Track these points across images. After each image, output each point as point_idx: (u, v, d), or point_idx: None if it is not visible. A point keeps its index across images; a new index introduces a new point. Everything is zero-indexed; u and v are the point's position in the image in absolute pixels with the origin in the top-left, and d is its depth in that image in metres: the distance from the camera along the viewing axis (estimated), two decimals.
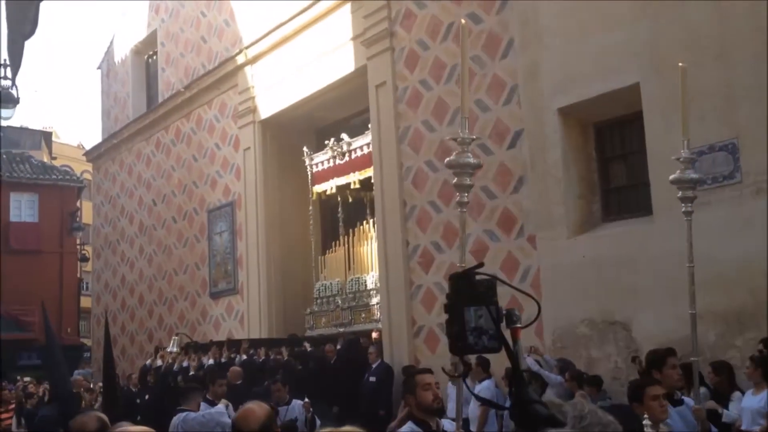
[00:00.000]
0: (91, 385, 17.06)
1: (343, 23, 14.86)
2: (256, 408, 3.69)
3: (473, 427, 10.12)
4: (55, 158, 37.52)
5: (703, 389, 7.90)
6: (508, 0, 11.58)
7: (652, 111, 9.61)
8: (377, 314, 13.99)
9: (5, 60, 12.20)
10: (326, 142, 15.70)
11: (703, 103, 9.05)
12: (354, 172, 14.98)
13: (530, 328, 9.15)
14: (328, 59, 15.22)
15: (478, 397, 9.05)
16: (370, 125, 14.29)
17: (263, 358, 14.18)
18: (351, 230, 15.49)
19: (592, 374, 9.53)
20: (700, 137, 9.06)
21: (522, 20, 11.33)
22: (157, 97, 22.79)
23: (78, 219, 30.62)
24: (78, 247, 30.84)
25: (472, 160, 3.65)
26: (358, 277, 14.88)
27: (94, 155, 26.22)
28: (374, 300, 14.18)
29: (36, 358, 24.95)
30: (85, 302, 30.43)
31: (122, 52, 25.28)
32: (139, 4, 24.03)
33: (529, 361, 9.70)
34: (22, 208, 29.99)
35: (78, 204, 31.59)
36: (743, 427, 7.32)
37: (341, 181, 15.35)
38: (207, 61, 19.94)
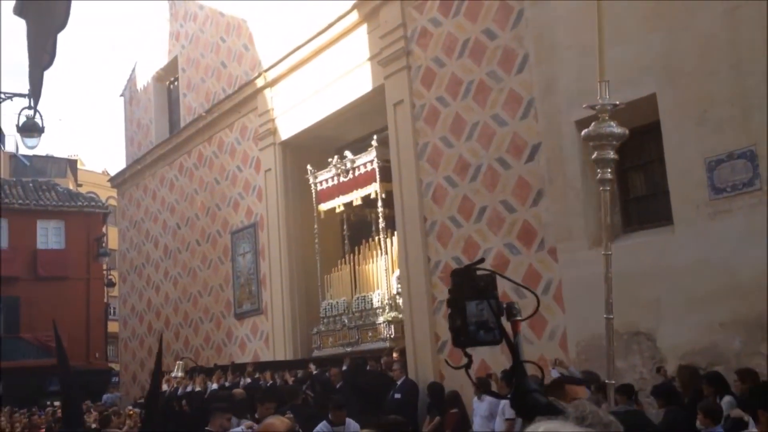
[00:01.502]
0: (120, 410, 17.19)
1: (359, 44, 15.01)
2: (277, 423, 3.73)
3: None
4: (80, 185, 37.99)
5: (729, 397, 7.87)
6: (522, 15, 11.66)
7: (670, 121, 9.62)
8: (384, 333, 14.01)
9: (29, 90, 12.45)
10: (329, 159, 15.80)
11: (720, 111, 9.06)
12: (358, 189, 15.06)
13: (554, 341, 9.23)
14: (345, 79, 15.37)
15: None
16: (374, 142, 14.48)
17: (270, 381, 14.19)
18: (357, 248, 15.54)
19: (621, 384, 9.49)
20: (719, 145, 9.07)
21: (536, 35, 11.40)
22: (179, 123, 23.05)
23: (104, 245, 30.96)
24: (104, 272, 31.14)
25: (616, 129, 3.13)
26: (365, 296, 14.85)
27: (118, 181, 26.53)
28: (381, 318, 14.18)
29: None
30: (113, 327, 30.68)
31: (144, 79, 25.63)
32: (159, 32, 24.40)
33: (554, 374, 9.69)
34: (49, 236, 30.36)
35: (104, 230, 31.93)
36: None
37: (346, 199, 15.39)
38: (227, 85, 20.18)
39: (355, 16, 14.99)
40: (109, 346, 31.87)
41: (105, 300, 31.85)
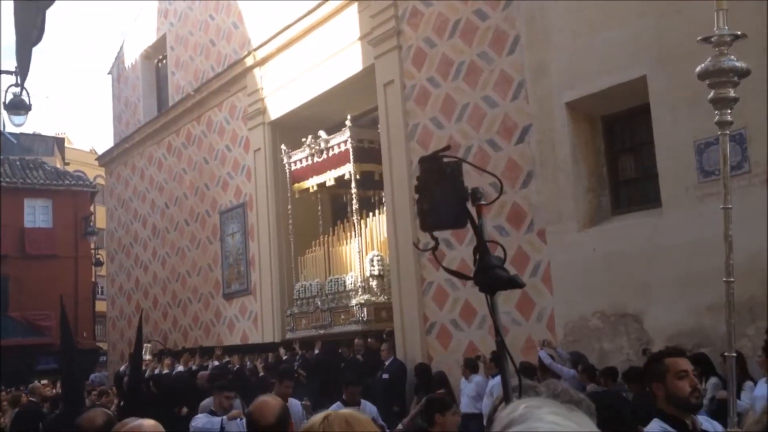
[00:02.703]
0: (108, 390, 17.21)
1: (350, 23, 14.93)
2: (271, 400, 3.70)
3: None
4: (68, 164, 37.74)
5: (715, 379, 7.95)
6: None
7: (660, 103, 9.63)
8: (357, 315, 13.94)
9: (16, 67, 12.32)
10: (303, 139, 15.70)
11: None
12: (332, 169, 14.94)
13: (542, 322, 9.23)
14: (335, 59, 15.29)
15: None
16: (348, 122, 14.40)
17: (237, 365, 14.20)
18: (332, 229, 15.48)
19: (605, 366, 9.57)
20: (708, 128, 9.07)
21: (528, 16, 11.36)
22: (167, 101, 22.92)
23: (92, 223, 30.80)
24: (92, 251, 31.00)
25: (738, 64, 2.74)
26: (338, 278, 14.76)
27: (106, 160, 26.40)
28: (353, 301, 14.12)
29: (53, 363, 25.12)
30: (100, 306, 30.60)
31: (132, 57, 25.44)
32: (148, 9, 24.18)
33: (542, 354, 9.75)
34: (37, 214, 30.19)
35: (91, 208, 31.77)
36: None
37: (320, 179, 15.28)
38: (216, 63, 20.05)
39: None
40: (97, 326, 31.80)
41: (93, 279, 31.74)
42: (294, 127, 17.02)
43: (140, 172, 23.74)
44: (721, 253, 9.07)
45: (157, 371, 15.68)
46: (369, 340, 13.11)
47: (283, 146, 16.37)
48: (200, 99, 20.20)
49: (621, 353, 9.97)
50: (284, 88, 16.94)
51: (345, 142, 14.55)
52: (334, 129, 15.46)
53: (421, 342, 12.81)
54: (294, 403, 7.77)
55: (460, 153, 12.39)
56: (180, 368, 15.40)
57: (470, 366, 10.94)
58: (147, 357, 16.43)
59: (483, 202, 2.52)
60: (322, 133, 15.20)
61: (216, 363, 14.72)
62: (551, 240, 10.89)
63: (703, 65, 2.70)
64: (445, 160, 2.51)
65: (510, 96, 11.63)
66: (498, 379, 10.18)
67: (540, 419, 1.10)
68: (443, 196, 2.49)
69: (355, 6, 14.80)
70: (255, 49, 17.73)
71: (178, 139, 21.54)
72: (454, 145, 12.47)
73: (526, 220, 11.32)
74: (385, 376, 12.06)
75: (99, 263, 30.23)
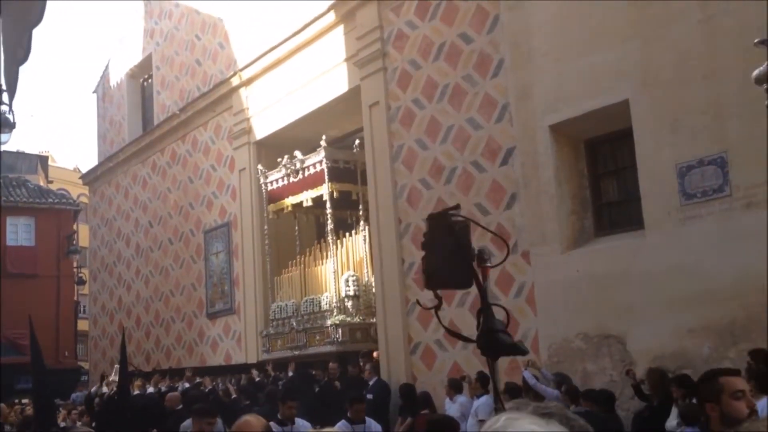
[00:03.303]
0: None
1: (336, 44, 15.02)
2: (253, 420, 3.72)
3: None
4: (51, 182, 37.56)
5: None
6: (498, 20, 11.74)
7: (642, 127, 9.75)
8: (332, 336, 13.84)
9: (2, 85, 12.30)
10: (279, 159, 15.70)
11: (693, 119, 9.20)
12: (307, 189, 14.92)
13: (526, 343, 9.22)
14: (321, 80, 15.37)
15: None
16: (323, 142, 14.42)
17: (209, 387, 14.09)
18: (308, 249, 15.43)
19: (587, 388, 9.60)
20: (690, 152, 9.21)
21: (512, 40, 11.49)
22: (152, 120, 22.91)
23: (74, 242, 30.62)
24: (75, 270, 30.79)
25: None
26: (313, 298, 14.68)
27: (90, 178, 26.31)
28: (329, 321, 14.02)
29: None
30: (83, 325, 30.37)
31: (118, 76, 25.43)
32: (134, 29, 24.22)
33: (526, 375, 9.78)
34: (19, 232, 29.96)
35: (74, 227, 31.58)
36: None
37: (296, 199, 15.23)
38: (202, 83, 20.08)
39: (331, 16, 15.01)
40: (79, 345, 31.53)
41: (75, 298, 31.50)
42: (279, 147, 17.05)
43: (124, 191, 23.67)
44: (703, 275, 9.20)
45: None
46: (349, 367, 13.02)
47: (259, 166, 16.40)
48: (185, 118, 20.21)
49: (604, 374, 10.02)
50: (270, 108, 16.99)
51: (320, 162, 14.55)
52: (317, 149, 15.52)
53: (405, 362, 12.81)
54: (302, 424, 7.55)
55: (444, 174, 12.47)
56: (150, 390, 15.28)
57: (455, 386, 10.95)
58: (117, 378, 16.32)
59: (489, 264, 2.53)
60: (297, 153, 15.18)
61: (186, 385, 14.58)
62: (535, 261, 10.96)
63: (759, 70, 2.73)
64: (454, 218, 2.51)
65: (494, 118, 11.73)
66: (483, 399, 10.24)
67: (520, 427, 1.20)
68: (450, 255, 2.47)
69: (341, 28, 14.91)
70: (241, 70, 17.79)
71: (163, 158, 21.52)
72: (439, 166, 12.55)
73: (510, 242, 11.37)
74: (369, 396, 12.03)
75: (81, 282, 30.03)
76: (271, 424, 7.11)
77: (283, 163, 15.43)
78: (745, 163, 8.72)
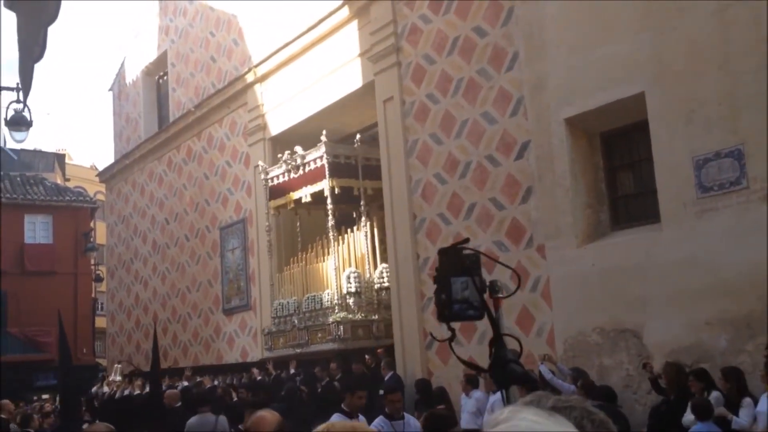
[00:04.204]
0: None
1: (350, 40, 15.02)
2: (268, 415, 3.71)
3: None
4: (68, 180, 37.80)
5: (716, 393, 7.94)
6: (512, 14, 11.70)
7: (658, 120, 9.68)
8: (334, 333, 13.66)
9: (18, 84, 12.39)
10: (279, 155, 15.60)
11: (708, 111, 9.12)
12: (308, 185, 14.73)
13: (542, 337, 9.21)
14: (335, 75, 15.37)
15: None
16: (323, 137, 14.26)
17: (209, 386, 14.01)
18: (311, 246, 15.29)
19: (604, 383, 9.56)
20: (706, 144, 9.14)
21: (527, 33, 11.44)
22: (168, 117, 23.00)
23: (92, 239, 30.81)
24: (92, 267, 31.00)
25: None
26: (314, 295, 14.49)
27: (106, 176, 26.46)
28: (330, 318, 13.84)
29: (52, 379, 25.06)
30: (100, 322, 30.57)
31: (133, 73, 25.55)
32: (149, 26, 24.31)
33: (542, 369, 9.75)
34: (37, 230, 30.18)
35: (92, 224, 31.77)
36: (759, 431, 7.33)
37: (296, 195, 15.04)
38: (217, 80, 20.14)
39: (345, 12, 15.00)
40: (97, 342, 31.75)
41: (93, 295, 31.70)
42: (294, 144, 17.06)
43: (140, 188, 23.79)
44: (720, 268, 9.15)
45: (127, 392, 15.55)
46: (353, 364, 12.92)
47: (260, 162, 16.35)
48: (201, 115, 20.28)
49: (621, 369, 9.97)
50: (284, 104, 17.01)
51: (321, 157, 14.38)
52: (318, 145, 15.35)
53: (421, 357, 12.81)
54: (412, 421, 7.14)
55: (459, 169, 12.44)
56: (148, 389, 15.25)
57: (471, 382, 10.93)
58: (117, 378, 16.39)
59: (501, 295, 2.58)
60: (298, 149, 15.05)
61: (186, 383, 14.52)
62: (550, 255, 10.91)
63: None
64: (465, 252, 2.57)
65: (509, 112, 11.69)
66: (498, 395, 10.21)
67: (522, 419, 1.22)
68: (461, 288, 2.55)
69: (355, 23, 14.90)
70: (255, 66, 17.82)
71: (179, 155, 21.60)
72: (454, 161, 12.52)
73: (526, 236, 11.35)
74: (382, 392, 12.02)
75: (99, 279, 30.23)
76: (380, 418, 6.82)
77: (284, 158, 15.28)
78: (761, 154, 8.64)
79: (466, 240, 2.69)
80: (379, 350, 13.16)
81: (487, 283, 2.56)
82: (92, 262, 31.00)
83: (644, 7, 9.83)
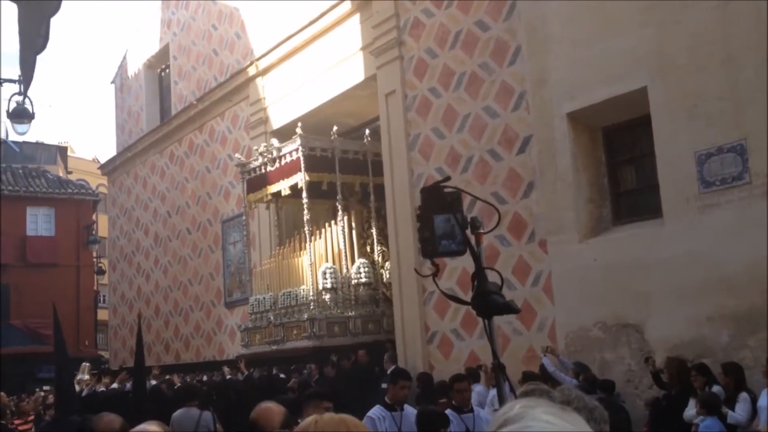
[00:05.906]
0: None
1: (352, 33, 14.99)
2: (274, 406, 3.68)
3: None
4: (70, 172, 37.83)
5: (718, 387, 7.96)
6: (515, 8, 11.67)
7: (660, 114, 9.65)
8: (309, 330, 13.35)
9: (19, 76, 12.38)
10: (255, 148, 15.39)
11: (711, 106, 9.10)
12: (284, 179, 14.40)
13: (543, 332, 9.19)
14: (338, 69, 15.35)
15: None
16: (298, 130, 14.08)
17: (177, 384, 13.86)
18: (289, 240, 15.08)
19: (604, 378, 9.57)
20: (709, 139, 9.12)
21: (529, 27, 11.41)
22: (170, 110, 22.99)
23: (94, 232, 30.85)
24: (94, 259, 31.05)
25: None
26: (290, 291, 14.14)
27: (108, 169, 26.46)
28: (305, 315, 13.52)
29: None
30: (102, 315, 30.62)
31: (135, 66, 25.53)
32: (151, 19, 24.29)
33: (545, 361, 9.75)
34: (39, 222, 30.23)
35: (94, 217, 31.82)
36: (760, 426, 7.34)
37: (273, 188, 14.71)
38: (219, 73, 20.12)
39: (347, 5, 14.97)
40: (99, 334, 31.81)
41: (95, 288, 31.78)
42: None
43: (142, 181, 23.80)
44: (722, 263, 9.15)
45: (98, 389, 15.44)
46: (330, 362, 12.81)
47: (237, 155, 16.24)
48: (203, 108, 20.27)
49: (622, 363, 9.97)
50: (286, 97, 16.99)
51: (296, 150, 14.08)
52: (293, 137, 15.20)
53: (423, 351, 12.82)
54: (411, 412, 6.76)
55: (461, 163, 12.43)
56: (115, 386, 15.09)
57: (472, 375, 10.93)
58: (85, 377, 16.34)
59: (482, 231, 2.64)
60: (274, 141, 14.84)
61: (154, 382, 14.39)
62: (552, 250, 10.91)
63: None
64: (446, 190, 2.63)
65: (511, 106, 11.67)
66: (476, 388, 10.19)
67: (534, 418, 1.13)
68: (444, 225, 2.62)
69: (357, 16, 14.87)
70: (257, 59, 17.80)
71: (181, 148, 21.60)
72: (455, 155, 12.51)
73: (527, 231, 11.34)
74: (385, 386, 12.03)
75: (101, 272, 30.28)
76: (378, 407, 6.65)
77: (260, 151, 14.99)
78: (764, 149, 8.62)
79: (447, 178, 2.77)
80: (360, 352, 13.04)
81: (468, 220, 2.64)
82: (94, 254, 31.04)
83: (647, 2, 9.80)
